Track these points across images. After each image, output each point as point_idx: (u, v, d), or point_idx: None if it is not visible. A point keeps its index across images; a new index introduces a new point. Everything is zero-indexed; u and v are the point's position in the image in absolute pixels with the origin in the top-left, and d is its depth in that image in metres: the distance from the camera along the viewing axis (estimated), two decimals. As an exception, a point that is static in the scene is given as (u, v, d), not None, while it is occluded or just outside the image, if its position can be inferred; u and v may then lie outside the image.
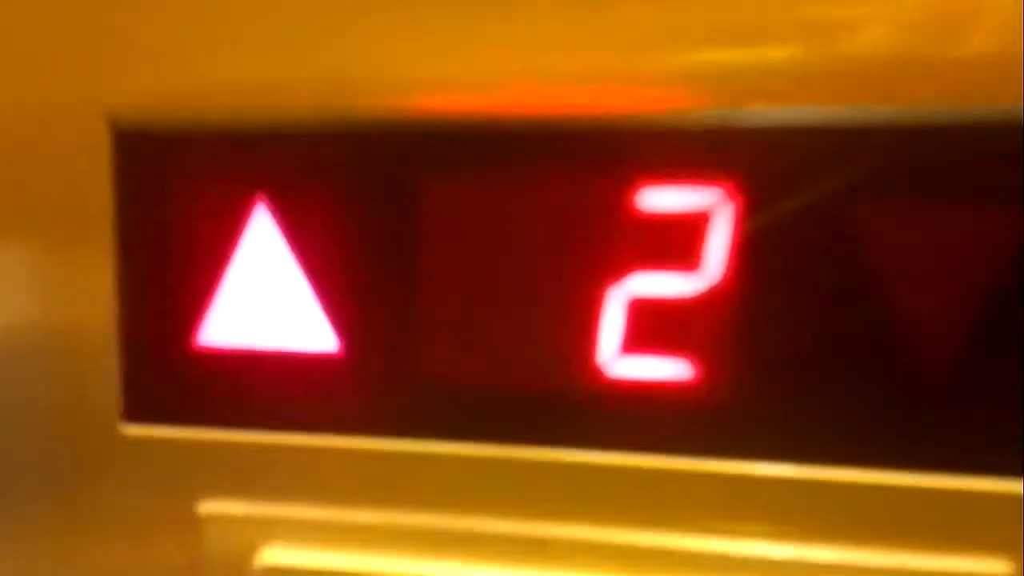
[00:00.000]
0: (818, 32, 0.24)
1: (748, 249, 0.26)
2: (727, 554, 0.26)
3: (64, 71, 0.28)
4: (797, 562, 0.26)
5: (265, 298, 0.29)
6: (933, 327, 0.25)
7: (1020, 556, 0.25)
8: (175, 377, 0.30)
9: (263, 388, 0.29)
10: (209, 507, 0.30)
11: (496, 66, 0.26)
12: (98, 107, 0.29)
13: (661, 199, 0.26)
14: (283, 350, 0.29)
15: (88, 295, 0.30)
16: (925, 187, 0.25)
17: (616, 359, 0.27)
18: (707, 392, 0.26)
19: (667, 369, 0.27)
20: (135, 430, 0.30)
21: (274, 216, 0.28)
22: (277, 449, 0.29)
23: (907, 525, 0.25)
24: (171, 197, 0.29)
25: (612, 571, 0.27)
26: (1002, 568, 0.25)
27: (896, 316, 0.25)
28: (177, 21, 0.28)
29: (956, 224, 0.24)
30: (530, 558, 0.28)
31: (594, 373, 0.27)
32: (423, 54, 0.26)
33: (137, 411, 0.30)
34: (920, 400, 0.25)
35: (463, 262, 0.28)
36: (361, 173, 0.28)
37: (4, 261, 0.30)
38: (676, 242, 0.26)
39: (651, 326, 0.26)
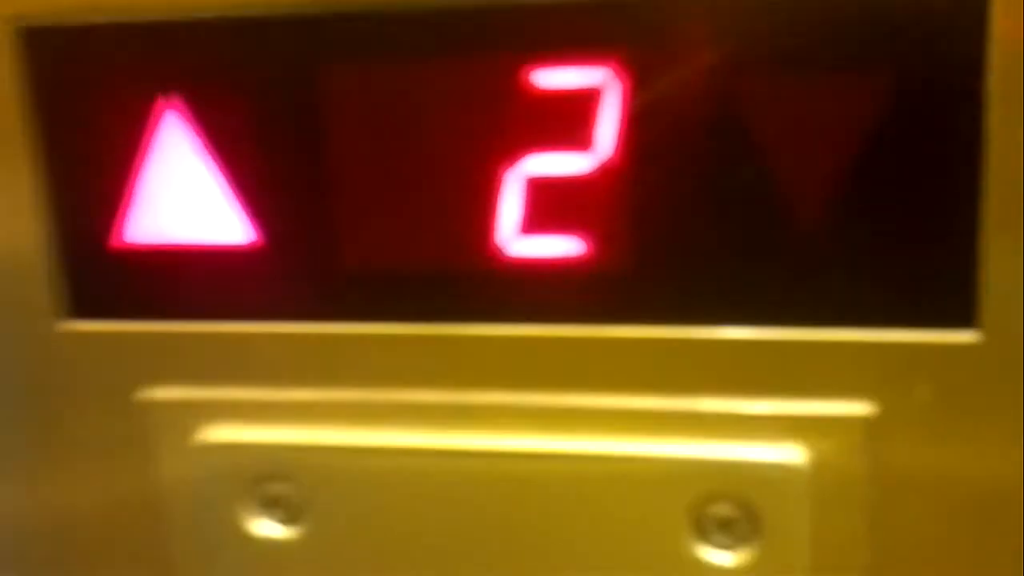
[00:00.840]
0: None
1: (636, 125, 0.27)
2: (624, 408, 0.29)
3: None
4: (685, 412, 0.28)
5: (183, 194, 0.30)
6: (804, 190, 0.27)
7: (879, 398, 0.27)
8: (108, 274, 0.31)
9: (190, 281, 0.31)
10: (150, 393, 0.32)
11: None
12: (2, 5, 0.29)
13: (552, 78, 0.27)
14: (205, 243, 0.30)
15: (9, 203, 0.31)
16: (794, 58, 0.26)
17: (514, 238, 0.28)
18: (599, 265, 0.28)
19: (562, 246, 0.28)
20: (72, 327, 0.32)
21: (185, 113, 0.29)
22: (207, 337, 0.31)
23: (781, 375, 0.28)
24: (81, 96, 0.30)
25: (525, 430, 0.29)
26: (864, 409, 0.27)
27: (771, 181, 0.27)
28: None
29: (821, 92, 0.26)
30: (450, 423, 0.30)
31: (495, 252, 0.29)
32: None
33: (73, 309, 0.32)
34: (792, 259, 0.27)
35: (369, 149, 0.29)
36: (265, 65, 0.29)
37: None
38: (568, 121, 0.28)
39: (546, 205, 0.28)
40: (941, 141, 0.25)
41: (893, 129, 0.26)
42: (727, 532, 0.28)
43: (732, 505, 0.28)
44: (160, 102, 0.29)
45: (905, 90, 0.25)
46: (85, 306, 0.32)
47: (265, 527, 0.31)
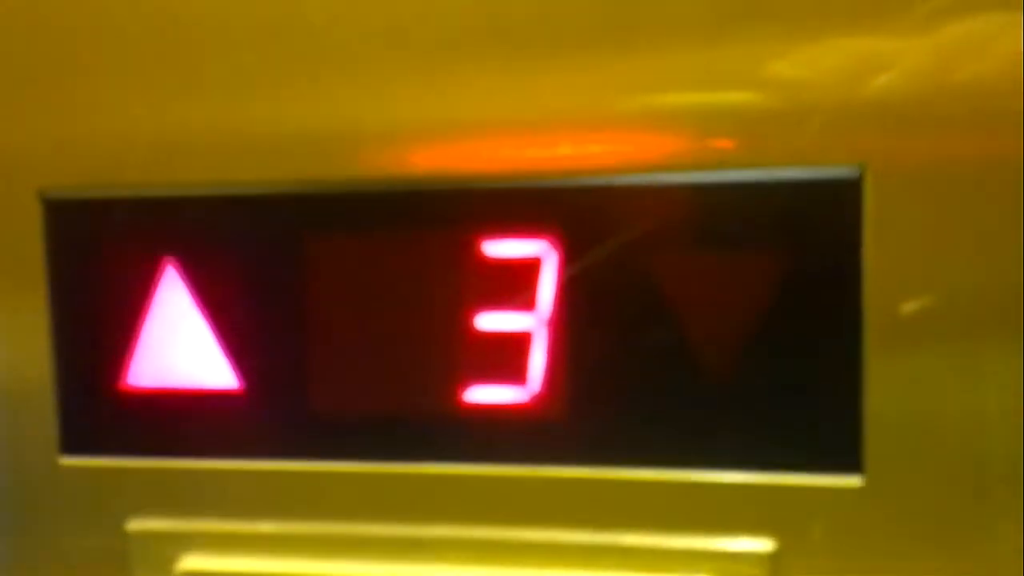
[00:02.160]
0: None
1: (570, 290, 0.31)
2: (557, 542, 0.32)
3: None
4: (611, 545, 0.31)
5: (177, 345, 0.34)
6: (712, 351, 0.31)
7: (779, 535, 0.30)
8: (104, 415, 0.35)
9: (178, 422, 0.35)
10: (136, 524, 0.35)
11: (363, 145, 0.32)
12: (30, 180, 0.34)
13: (500, 248, 0.32)
14: (194, 388, 0.34)
15: (24, 346, 0.35)
16: (702, 239, 0.30)
17: (466, 386, 0.32)
18: (540, 412, 0.32)
19: (509, 394, 0.32)
20: (70, 461, 0.35)
21: (182, 273, 0.34)
22: (192, 473, 0.34)
23: (694, 513, 0.31)
24: (94, 258, 0.34)
25: (472, 562, 0.32)
26: (766, 545, 0.30)
27: (684, 342, 0.31)
28: (93, 112, 0.33)
29: (724, 268, 0.30)
30: (407, 555, 0.33)
31: (452, 400, 0.32)
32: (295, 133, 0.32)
33: (71, 444, 0.35)
34: (703, 411, 0.31)
35: (345, 309, 0.33)
36: (254, 233, 0.33)
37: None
38: (517, 285, 0.32)
39: (494, 359, 0.32)
40: (827, 310, 0.30)
41: (787, 299, 0.30)
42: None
43: (652, 631, 0.31)
44: (162, 264, 0.34)
45: (795, 266, 0.30)
46: (83, 443, 0.35)
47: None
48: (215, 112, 0.32)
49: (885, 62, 0.28)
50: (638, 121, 0.30)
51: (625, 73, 0.30)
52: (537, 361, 0.32)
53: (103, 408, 0.35)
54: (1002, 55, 0.28)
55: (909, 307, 0.28)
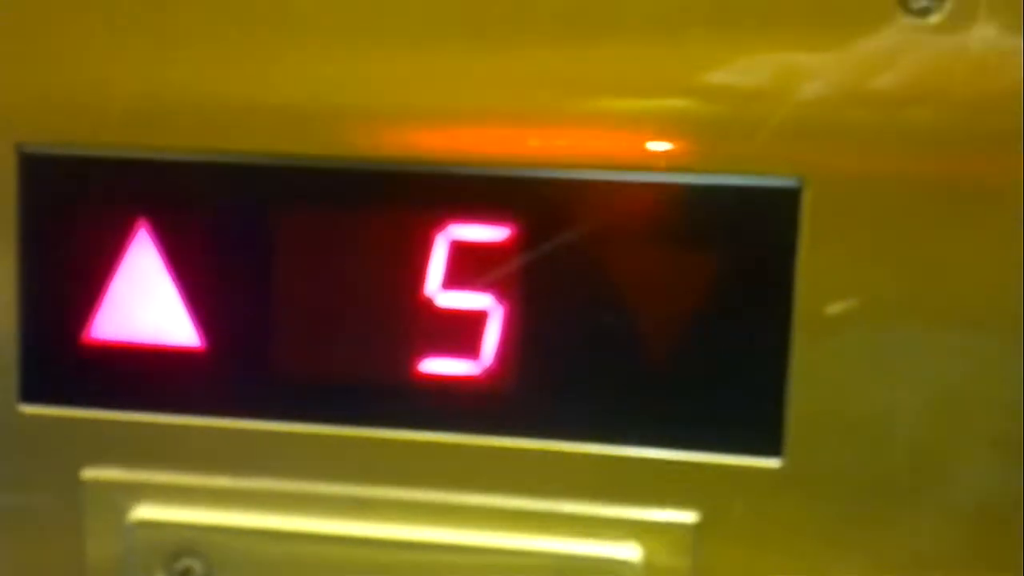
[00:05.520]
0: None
1: (529, 277, 0.34)
2: (499, 507, 0.34)
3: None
4: (548, 512, 0.34)
5: (143, 301, 0.35)
6: (650, 337, 0.33)
7: (703, 508, 0.33)
8: (66, 366, 0.36)
9: (139, 376, 0.36)
10: (90, 473, 0.36)
11: (338, 123, 0.34)
12: (8, 133, 0.35)
13: (462, 232, 0.34)
14: (156, 344, 0.36)
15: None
16: (649, 235, 0.33)
17: (422, 358, 0.34)
18: (488, 385, 0.34)
19: (463, 367, 0.34)
20: (30, 409, 0.36)
21: (152, 234, 0.35)
22: (150, 426, 0.36)
23: (626, 485, 0.33)
24: (67, 213, 0.35)
25: (416, 523, 0.34)
26: (690, 517, 0.33)
27: (626, 328, 0.33)
28: (78, 68, 0.34)
29: (666, 261, 0.33)
30: (350, 514, 0.35)
31: (407, 370, 0.34)
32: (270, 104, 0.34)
33: (32, 393, 0.36)
34: (639, 392, 0.33)
35: (307, 275, 0.35)
36: (225, 200, 0.35)
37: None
38: (478, 266, 0.34)
39: (450, 335, 0.34)
40: (758, 305, 0.32)
41: (724, 294, 0.33)
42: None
43: (583, 593, 0.33)
44: (133, 223, 0.35)
45: (734, 265, 0.32)
46: (45, 392, 0.36)
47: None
48: (196, 79, 0.34)
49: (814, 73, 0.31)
50: (599, 120, 0.32)
51: (588, 72, 0.32)
52: (491, 338, 0.34)
53: (65, 359, 0.36)
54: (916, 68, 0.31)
55: (834, 308, 0.32)
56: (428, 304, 0.34)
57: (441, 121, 0.33)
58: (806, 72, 0.31)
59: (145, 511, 0.36)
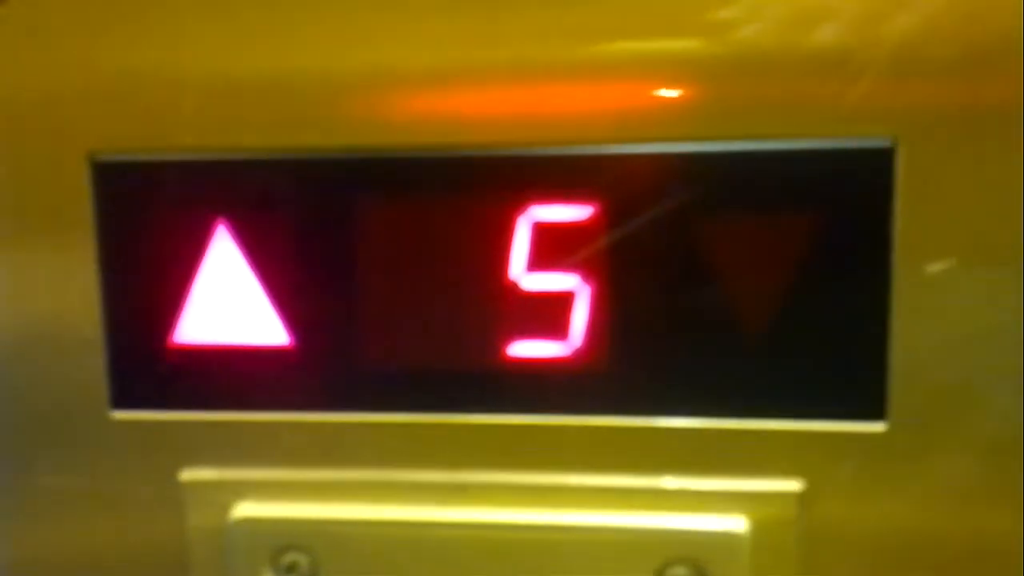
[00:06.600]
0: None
1: (615, 254, 0.33)
2: (598, 486, 0.34)
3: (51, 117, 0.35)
4: (649, 489, 0.34)
5: (229, 302, 0.36)
6: (748, 307, 0.33)
7: (808, 476, 0.33)
8: (155, 371, 0.36)
9: (229, 376, 0.36)
10: (188, 475, 0.36)
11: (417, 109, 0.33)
12: (79, 142, 0.35)
13: (547, 213, 0.33)
14: (244, 344, 0.36)
15: (75, 305, 0.36)
16: (740, 203, 0.32)
17: (510, 342, 0.34)
18: (581, 365, 0.34)
19: (552, 349, 0.34)
20: (121, 415, 0.37)
21: (234, 233, 0.35)
22: (242, 425, 0.36)
23: (728, 458, 0.33)
24: (143, 218, 0.36)
25: (514, 505, 0.35)
26: (796, 485, 0.33)
27: (721, 300, 0.33)
28: (145, 74, 0.34)
29: (760, 229, 0.32)
30: (447, 500, 0.35)
31: (496, 354, 0.34)
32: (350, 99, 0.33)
33: (122, 399, 0.36)
34: (737, 363, 0.33)
35: (390, 265, 0.35)
36: (306, 196, 0.35)
37: (7, 273, 0.36)
38: (562, 247, 0.34)
39: (539, 315, 0.34)
40: (856, 268, 0.32)
41: (817, 258, 0.32)
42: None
43: (688, 568, 0.33)
44: (214, 224, 0.35)
45: (825, 229, 0.32)
46: (135, 397, 0.37)
47: (284, 593, 0.36)
48: (267, 75, 0.33)
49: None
50: (681, 88, 0.32)
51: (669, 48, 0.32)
52: (579, 318, 0.34)
53: (153, 364, 0.36)
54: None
55: (934, 267, 0.31)
56: (513, 288, 0.34)
57: (515, 103, 0.33)
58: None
59: (246, 508, 0.36)
